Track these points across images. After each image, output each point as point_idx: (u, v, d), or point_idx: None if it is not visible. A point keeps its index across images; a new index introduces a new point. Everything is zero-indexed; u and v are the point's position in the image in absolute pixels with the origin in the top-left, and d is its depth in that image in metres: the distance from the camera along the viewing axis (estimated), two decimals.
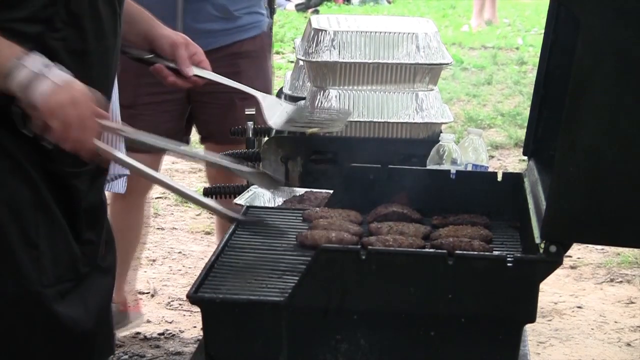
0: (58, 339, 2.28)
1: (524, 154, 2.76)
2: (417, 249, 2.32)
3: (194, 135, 4.21)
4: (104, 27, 2.27)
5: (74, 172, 2.29)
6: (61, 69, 2.14)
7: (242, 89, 2.75)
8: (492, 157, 6.84)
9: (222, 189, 3.33)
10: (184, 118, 3.98)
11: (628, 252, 5.19)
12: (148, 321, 4.41)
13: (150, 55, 2.55)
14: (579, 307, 4.75)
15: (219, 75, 2.63)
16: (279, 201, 2.88)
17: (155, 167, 4.11)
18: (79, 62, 2.21)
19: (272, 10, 4.11)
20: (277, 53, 9.56)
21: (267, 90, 3.74)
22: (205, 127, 4.03)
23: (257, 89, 2.78)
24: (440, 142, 2.97)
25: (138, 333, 4.27)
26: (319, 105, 3.22)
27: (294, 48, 3.88)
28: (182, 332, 4.37)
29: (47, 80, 2.10)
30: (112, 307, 4.27)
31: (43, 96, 2.10)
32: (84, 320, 2.31)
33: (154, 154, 3.95)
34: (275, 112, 2.71)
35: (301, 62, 3.43)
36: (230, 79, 2.71)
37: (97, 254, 2.41)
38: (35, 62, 2.10)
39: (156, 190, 5.51)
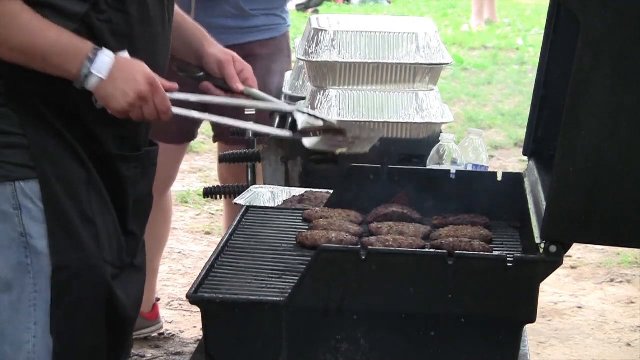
0: (114, 317, 2.32)
1: (524, 154, 2.75)
2: (417, 249, 2.32)
3: (205, 132, 4.21)
4: (150, 13, 2.31)
5: (120, 155, 2.33)
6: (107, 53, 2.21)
7: (280, 107, 2.78)
8: (492, 157, 6.84)
9: (222, 189, 3.33)
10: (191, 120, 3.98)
11: (628, 252, 5.19)
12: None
13: (201, 74, 2.57)
14: (579, 307, 4.75)
15: (265, 95, 2.62)
16: (279, 201, 2.88)
17: (181, 157, 4.13)
18: (123, 46, 2.26)
19: None
20: None
21: (278, 96, 3.73)
22: (217, 125, 4.05)
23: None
24: (440, 142, 2.97)
25: (138, 333, 4.27)
26: (319, 105, 3.21)
27: (294, 48, 3.87)
28: (182, 332, 4.37)
29: (94, 77, 2.20)
30: None
31: (97, 92, 2.21)
32: (128, 308, 2.35)
33: (178, 144, 3.97)
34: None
35: (301, 62, 3.43)
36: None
37: (137, 247, 2.45)
38: (103, 64, 2.20)
39: None
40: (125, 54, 2.25)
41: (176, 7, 2.52)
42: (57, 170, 2.22)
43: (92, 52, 2.19)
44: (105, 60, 2.20)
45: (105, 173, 2.30)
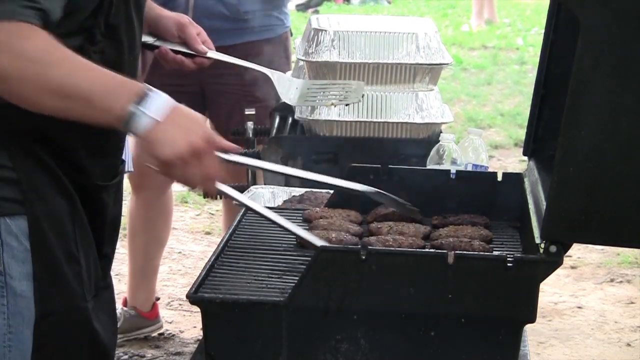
0: (96, 353, 2.24)
1: (524, 154, 2.75)
2: (417, 249, 2.32)
3: None
4: (136, 37, 2.22)
5: (104, 185, 2.24)
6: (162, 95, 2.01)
7: (250, 66, 2.75)
8: (492, 157, 6.84)
9: None
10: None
11: (628, 252, 5.19)
12: None
13: (154, 39, 2.50)
14: (579, 307, 4.75)
15: (227, 56, 2.61)
16: (279, 201, 2.88)
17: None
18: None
19: None
20: None
21: (277, 98, 3.74)
22: (216, 125, 4.06)
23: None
24: (440, 142, 2.97)
25: (138, 333, 4.27)
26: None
27: (294, 48, 3.88)
28: (182, 332, 4.37)
29: (148, 118, 1.98)
30: (131, 312, 4.28)
31: (148, 135, 1.99)
32: (102, 335, 2.26)
33: None
34: (288, 89, 2.68)
35: (301, 62, 3.43)
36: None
37: (109, 268, 2.37)
38: (159, 105, 1.98)
39: None
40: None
41: None
42: (45, 206, 2.09)
43: (145, 89, 1.98)
44: (161, 101, 1.98)
45: (88, 203, 2.20)
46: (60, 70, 1.95)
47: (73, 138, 2.13)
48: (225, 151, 2.09)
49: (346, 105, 2.88)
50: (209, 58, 2.56)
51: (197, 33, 2.53)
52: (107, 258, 2.34)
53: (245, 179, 3.49)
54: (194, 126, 2.02)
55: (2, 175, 2.07)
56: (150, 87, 2.01)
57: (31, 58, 1.92)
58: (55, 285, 2.12)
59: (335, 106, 2.66)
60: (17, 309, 2.10)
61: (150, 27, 2.50)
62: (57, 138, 2.11)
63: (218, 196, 3.35)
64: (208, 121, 2.12)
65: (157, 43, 2.50)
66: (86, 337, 2.20)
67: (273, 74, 2.72)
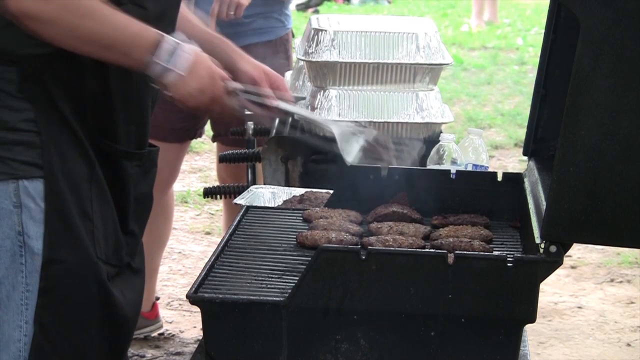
0: (109, 315, 2.28)
1: (524, 154, 2.75)
2: (417, 249, 2.32)
3: (204, 132, 4.24)
4: (167, 12, 2.32)
5: (125, 151, 2.31)
6: (187, 49, 2.22)
7: (319, 121, 2.81)
8: (492, 157, 6.85)
9: (222, 189, 3.33)
10: (197, 118, 3.99)
11: (628, 252, 5.19)
12: None
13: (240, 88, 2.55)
14: (579, 307, 4.75)
15: (297, 107, 2.62)
16: (279, 201, 2.88)
17: (182, 155, 4.14)
18: None
19: None
20: None
21: None
22: (216, 125, 4.06)
23: None
24: (440, 142, 2.97)
25: (138, 333, 4.27)
26: (319, 105, 3.22)
27: (294, 48, 3.88)
28: (182, 332, 4.37)
29: (173, 72, 2.20)
30: None
31: (174, 88, 2.22)
32: (125, 309, 2.32)
33: (180, 143, 3.98)
34: (351, 144, 2.61)
35: (301, 62, 3.43)
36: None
37: (136, 247, 2.42)
38: (164, 53, 2.19)
39: None
40: (186, 40, 2.26)
41: (197, 20, 2.54)
42: (63, 167, 2.20)
43: (168, 41, 2.19)
44: (185, 56, 2.20)
45: (108, 169, 2.29)
46: (87, 20, 2.13)
47: (97, 98, 2.24)
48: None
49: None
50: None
51: (275, 86, 2.56)
52: (133, 235, 2.39)
53: (245, 179, 3.49)
54: (213, 79, 2.26)
55: (25, 139, 2.18)
56: (179, 37, 2.22)
57: (62, 5, 2.10)
58: (65, 235, 2.19)
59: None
60: (34, 267, 2.18)
61: (227, 71, 2.54)
62: (81, 98, 2.22)
63: (218, 196, 3.35)
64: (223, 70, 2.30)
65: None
66: (96, 294, 2.24)
67: (338, 128, 2.63)
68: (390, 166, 2.59)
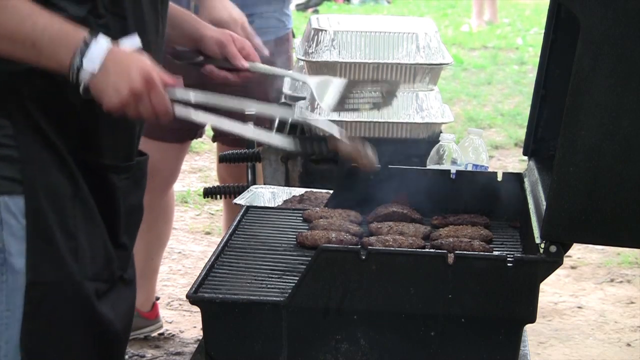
0: (98, 334, 2.23)
1: (524, 154, 2.76)
2: (417, 249, 2.32)
3: (205, 132, 4.25)
4: (145, 19, 2.24)
5: (112, 165, 2.25)
6: (100, 44, 2.06)
7: (294, 76, 2.81)
8: (492, 157, 6.84)
9: (222, 189, 3.33)
10: None
11: (628, 252, 5.19)
12: None
13: (200, 59, 2.55)
14: (579, 307, 4.75)
15: (270, 67, 2.63)
16: (279, 201, 2.88)
17: (182, 155, 4.14)
18: None
19: None
20: None
21: (277, 98, 3.73)
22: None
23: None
24: (440, 142, 2.97)
25: (138, 333, 4.27)
26: (319, 105, 3.21)
27: (294, 48, 3.87)
28: (182, 332, 4.37)
29: (85, 72, 2.05)
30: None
31: (92, 90, 2.07)
32: (116, 325, 2.26)
33: (180, 143, 3.98)
34: (327, 92, 2.63)
35: (301, 62, 3.43)
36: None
37: (128, 260, 2.37)
38: (96, 55, 2.04)
39: None
40: (134, 40, 2.13)
41: None
42: (45, 184, 2.12)
43: (85, 40, 2.03)
44: (98, 51, 2.03)
45: (96, 184, 2.22)
46: (10, 16, 2.00)
47: (79, 110, 2.15)
48: (169, 86, 2.13)
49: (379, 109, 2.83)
50: (252, 72, 2.57)
51: (240, 48, 2.55)
52: (124, 248, 2.34)
53: (245, 179, 3.49)
54: (132, 69, 2.06)
55: (4, 153, 2.10)
56: (92, 33, 2.04)
57: None
58: (47, 256, 2.13)
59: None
60: (16, 285, 2.12)
61: (197, 46, 2.55)
62: (62, 111, 2.15)
63: (218, 196, 3.35)
64: (146, 56, 2.13)
65: (203, 61, 2.56)
66: (81, 313, 2.18)
67: (312, 79, 2.65)
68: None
